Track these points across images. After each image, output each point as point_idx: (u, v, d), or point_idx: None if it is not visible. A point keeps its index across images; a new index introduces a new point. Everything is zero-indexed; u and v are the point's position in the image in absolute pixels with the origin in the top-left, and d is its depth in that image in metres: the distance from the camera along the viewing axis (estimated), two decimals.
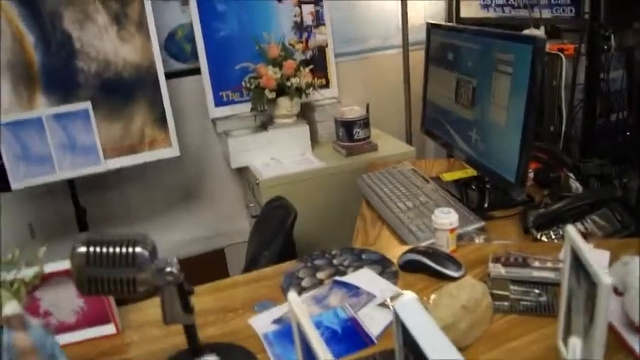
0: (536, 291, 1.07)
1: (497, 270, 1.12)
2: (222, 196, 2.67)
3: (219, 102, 2.37)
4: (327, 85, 2.52)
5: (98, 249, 0.76)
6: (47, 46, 1.98)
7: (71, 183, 2.16)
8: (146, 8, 2.04)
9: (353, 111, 2.35)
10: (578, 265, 0.77)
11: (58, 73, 2.02)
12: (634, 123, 2.27)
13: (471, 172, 1.75)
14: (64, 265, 0.97)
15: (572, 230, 0.81)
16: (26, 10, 1.94)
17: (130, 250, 0.76)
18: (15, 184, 2.02)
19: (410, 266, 1.19)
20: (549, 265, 1.12)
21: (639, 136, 2.25)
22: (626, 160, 2.25)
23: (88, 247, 0.76)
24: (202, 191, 2.65)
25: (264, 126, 2.37)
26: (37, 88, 2.01)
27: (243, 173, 2.48)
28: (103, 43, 2.04)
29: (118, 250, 0.76)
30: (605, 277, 0.67)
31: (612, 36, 1.95)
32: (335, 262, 1.25)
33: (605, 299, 0.68)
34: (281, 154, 2.31)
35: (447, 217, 1.24)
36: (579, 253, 0.76)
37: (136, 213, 2.54)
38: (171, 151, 2.19)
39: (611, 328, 0.92)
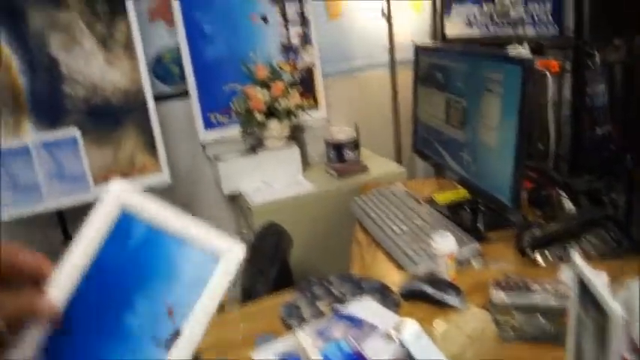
0: (540, 317, 1.06)
1: (499, 296, 1.11)
2: (213, 221, 2.61)
3: (208, 125, 2.36)
4: (315, 106, 2.52)
5: None
6: (33, 71, 1.96)
7: (60, 212, 2.12)
8: (133, 31, 2.03)
9: (342, 131, 2.35)
10: (585, 292, 0.77)
11: (45, 98, 2.00)
12: (617, 137, 2.31)
13: (463, 192, 1.75)
14: None
15: (577, 258, 0.81)
16: (12, 34, 1.92)
17: None
18: (4, 215, 1.98)
19: (411, 294, 1.18)
20: (550, 289, 1.12)
21: (622, 149, 2.28)
22: (612, 174, 2.28)
23: None
24: (194, 217, 2.61)
25: (253, 149, 2.36)
26: (23, 115, 1.98)
27: (234, 198, 2.46)
28: (90, 68, 2.02)
29: None
30: (617, 307, 0.67)
31: (597, 53, 1.98)
32: (334, 290, 1.24)
33: (618, 329, 0.68)
34: (272, 178, 2.29)
35: (445, 243, 1.24)
36: (586, 281, 0.76)
37: None
38: (161, 177, 2.17)
39: None
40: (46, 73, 1.97)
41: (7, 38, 1.91)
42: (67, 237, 2.18)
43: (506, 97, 1.37)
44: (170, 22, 2.29)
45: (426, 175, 2.75)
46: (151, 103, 2.10)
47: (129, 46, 2.04)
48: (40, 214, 2.01)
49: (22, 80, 1.96)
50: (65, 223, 2.15)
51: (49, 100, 2.00)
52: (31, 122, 1.99)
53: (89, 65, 2.01)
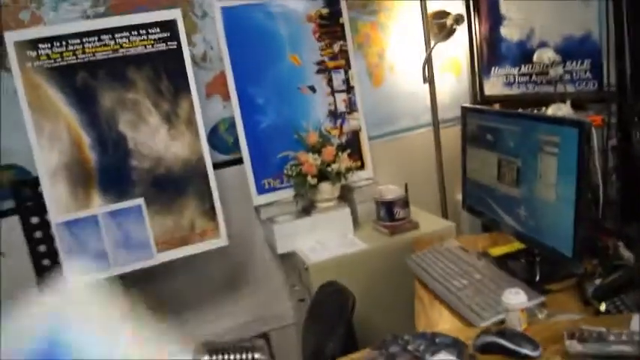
0: None
1: (575, 347, 1.14)
2: (264, 281, 2.71)
3: (261, 190, 2.46)
4: (362, 167, 2.61)
5: (220, 357, 0.81)
6: (103, 147, 2.11)
7: (121, 277, 2.21)
8: (195, 107, 2.18)
9: (390, 190, 2.43)
10: None
11: (112, 172, 2.13)
12: None
13: (516, 245, 1.79)
14: None
15: None
16: (84, 114, 2.08)
17: (250, 356, 0.81)
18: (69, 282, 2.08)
19: (486, 348, 1.22)
20: (625, 338, 1.15)
21: None
22: None
23: (210, 356, 0.81)
24: (245, 276, 2.70)
25: (305, 210, 2.45)
26: (92, 187, 2.11)
27: (286, 257, 2.53)
28: (154, 142, 2.16)
29: (238, 357, 0.81)
30: None
31: None
32: (410, 347, 1.28)
33: None
34: (325, 238, 2.37)
35: (517, 298, 1.28)
36: None
37: (183, 301, 2.58)
38: (220, 241, 2.26)
39: None
40: (114, 149, 2.12)
41: (79, 117, 2.07)
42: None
43: (563, 157, 1.44)
44: (225, 95, 2.45)
45: (471, 229, 2.79)
46: (210, 172, 2.23)
47: (190, 121, 2.18)
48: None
49: (91, 156, 2.10)
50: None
51: (116, 173, 2.14)
52: (100, 194, 2.12)
53: (154, 139, 2.16)
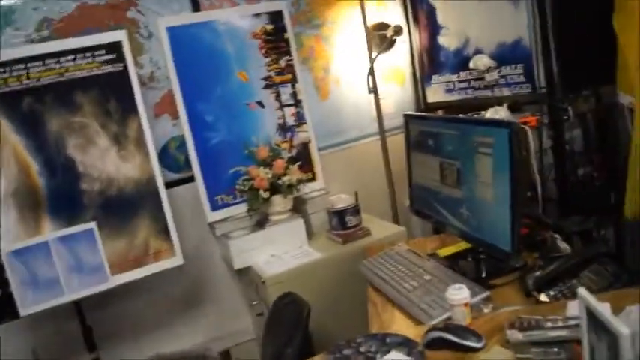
0: (555, 349, 1.16)
1: (515, 335, 1.22)
2: (223, 297, 2.72)
3: (214, 206, 2.48)
4: (313, 179, 2.66)
5: None
6: (52, 172, 2.09)
7: (77, 303, 2.19)
8: (144, 127, 2.19)
9: (341, 199, 2.48)
10: (595, 321, 0.88)
11: (63, 197, 2.11)
12: (598, 177, 2.48)
13: (463, 244, 1.87)
14: None
15: (583, 292, 0.93)
16: (32, 140, 2.06)
17: None
18: (23, 311, 2.05)
19: (434, 343, 1.28)
20: (560, 323, 1.22)
21: (606, 188, 2.44)
22: (598, 212, 2.43)
23: None
24: (204, 294, 2.70)
25: (259, 224, 2.48)
26: (42, 213, 2.09)
27: (243, 272, 2.55)
28: (104, 164, 2.16)
29: None
30: (624, 328, 0.78)
31: (569, 108, 2.18)
32: (362, 349, 1.33)
33: (628, 347, 0.79)
34: (280, 250, 2.40)
35: (460, 293, 1.35)
36: (595, 310, 0.88)
37: (142, 324, 2.56)
38: (175, 260, 2.26)
39: None
40: (63, 173, 2.10)
41: (26, 143, 2.05)
42: (85, 326, 2.24)
43: (497, 157, 1.53)
44: (174, 114, 2.47)
45: (423, 232, 2.88)
46: (162, 191, 2.23)
47: (140, 141, 2.19)
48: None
49: (40, 181, 2.08)
50: (82, 313, 2.22)
51: (66, 198, 2.12)
52: (50, 219, 2.10)
53: (104, 161, 2.15)
